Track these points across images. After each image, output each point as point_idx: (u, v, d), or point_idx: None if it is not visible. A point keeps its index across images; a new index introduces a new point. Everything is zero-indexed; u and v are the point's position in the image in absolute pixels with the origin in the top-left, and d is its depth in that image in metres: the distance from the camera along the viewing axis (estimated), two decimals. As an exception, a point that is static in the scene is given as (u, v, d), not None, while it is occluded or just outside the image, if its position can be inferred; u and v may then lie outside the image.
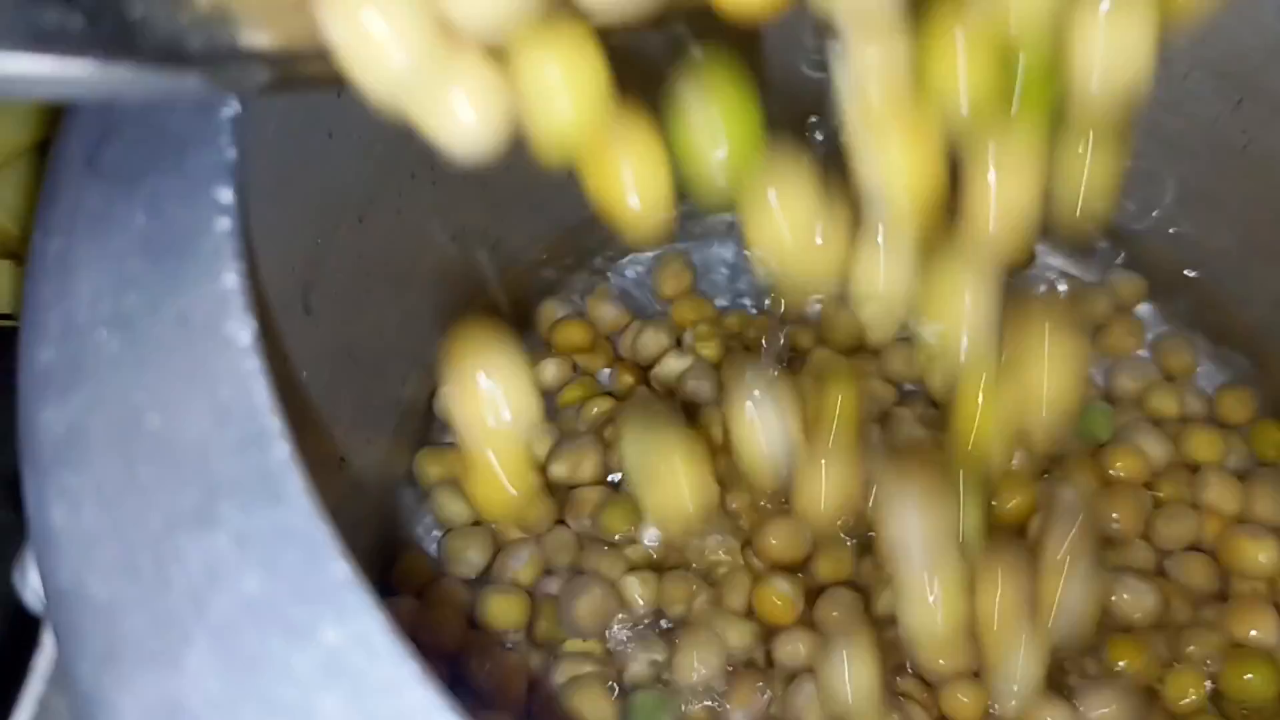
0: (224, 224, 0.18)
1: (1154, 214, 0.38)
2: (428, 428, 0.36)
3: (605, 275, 0.40)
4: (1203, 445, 0.36)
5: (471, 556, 0.34)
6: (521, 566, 0.34)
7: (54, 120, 0.41)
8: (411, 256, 0.33)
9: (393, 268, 0.33)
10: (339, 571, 0.16)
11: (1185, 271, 0.39)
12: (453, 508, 0.35)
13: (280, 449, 0.16)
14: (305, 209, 0.28)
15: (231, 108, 0.19)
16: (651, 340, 0.38)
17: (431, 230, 0.34)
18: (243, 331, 0.17)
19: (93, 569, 0.16)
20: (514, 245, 0.38)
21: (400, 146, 0.31)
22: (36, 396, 0.17)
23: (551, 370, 0.37)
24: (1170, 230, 0.39)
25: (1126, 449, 0.36)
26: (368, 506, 0.34)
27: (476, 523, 0.35)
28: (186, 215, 0.18)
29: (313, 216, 0.28)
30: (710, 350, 0.37)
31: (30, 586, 0.18)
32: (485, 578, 0.34)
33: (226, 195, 0.18)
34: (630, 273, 0.40)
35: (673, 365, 0.37)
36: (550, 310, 0.39)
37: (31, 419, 0.17)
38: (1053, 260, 0.41)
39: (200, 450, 0.17)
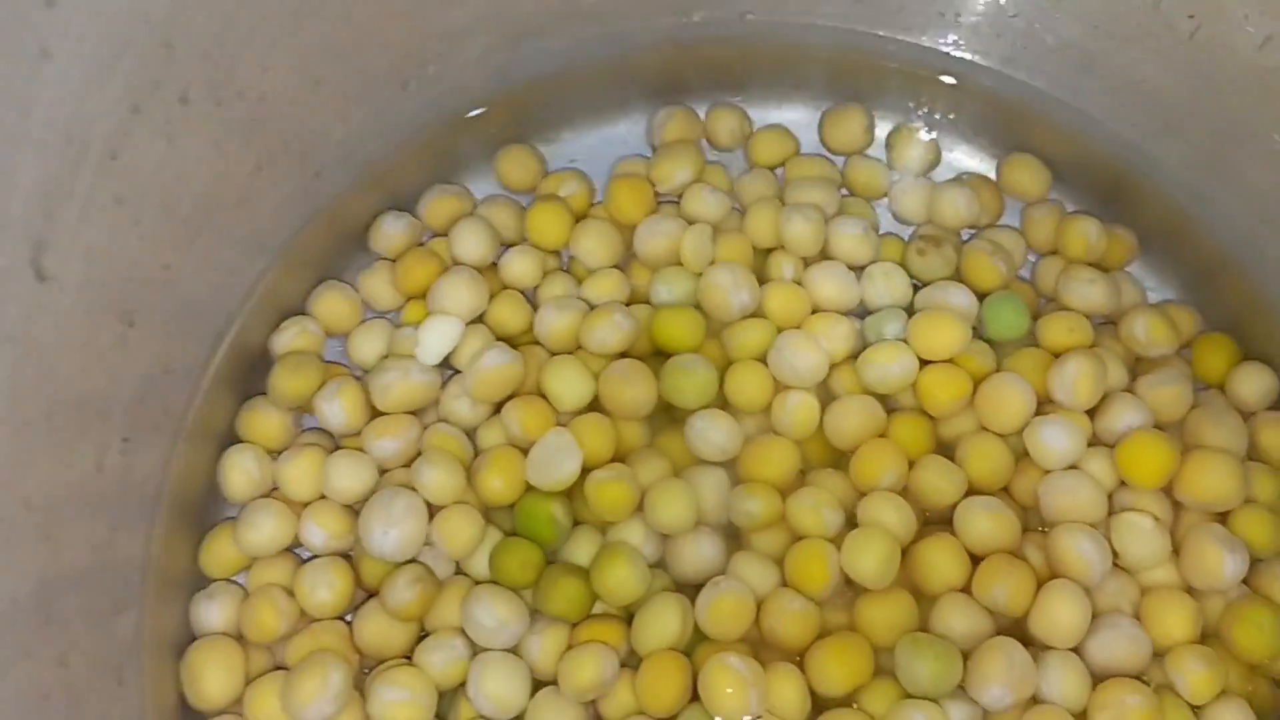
0: None
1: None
2: (247, 386, 0.32)
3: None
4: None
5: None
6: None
7: None
8: (201, 191, 0.28)
9: (176, 208, 0.27)
10: None
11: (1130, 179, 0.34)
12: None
13: None
14: (18, 150, 0.23)
15: None
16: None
17: (226, 159, 0.29)
18: None
19: None
20: (341, 174, 0.33)
21: (160, 65, 0.26)
22: None
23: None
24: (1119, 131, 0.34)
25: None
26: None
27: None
28: None
29: (32, 159, 0.23)
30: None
31: None
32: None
33: None
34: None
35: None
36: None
37: None
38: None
39: None
